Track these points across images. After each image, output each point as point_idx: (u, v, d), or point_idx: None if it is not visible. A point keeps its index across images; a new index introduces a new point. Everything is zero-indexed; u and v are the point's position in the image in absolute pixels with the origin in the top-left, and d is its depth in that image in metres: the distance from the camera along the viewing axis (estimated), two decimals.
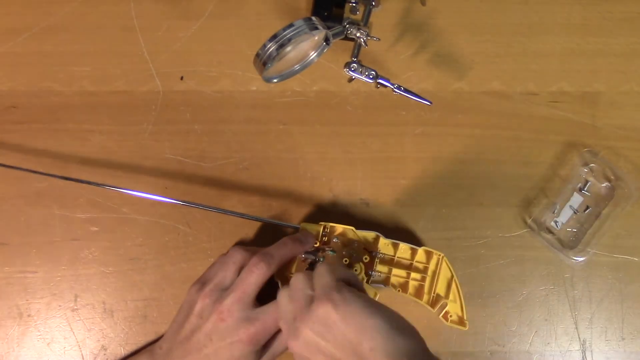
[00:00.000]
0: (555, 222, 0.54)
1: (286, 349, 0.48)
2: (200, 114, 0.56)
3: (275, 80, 0.49)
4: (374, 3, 0.53)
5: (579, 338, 0.53)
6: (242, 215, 0.52)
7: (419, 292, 0.51)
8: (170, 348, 0.48)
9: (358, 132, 0.55)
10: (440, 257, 0.51)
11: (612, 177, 0.54)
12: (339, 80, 0.56)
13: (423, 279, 0.51)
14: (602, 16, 0.56)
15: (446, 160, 0.55)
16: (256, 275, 0.47)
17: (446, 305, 0.50)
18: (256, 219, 0.53)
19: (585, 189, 0.54)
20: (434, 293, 0.51)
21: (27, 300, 0.54)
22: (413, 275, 0.51)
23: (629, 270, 0.54)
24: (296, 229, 0.52)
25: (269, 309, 0.47)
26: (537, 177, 0.55)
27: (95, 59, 0.56)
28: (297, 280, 0.45)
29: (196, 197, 0.55)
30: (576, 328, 0.54)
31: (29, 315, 0.54)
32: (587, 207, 0.54)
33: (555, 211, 0.54)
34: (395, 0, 0.56)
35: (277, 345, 0.48)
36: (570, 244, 0.54)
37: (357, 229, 0.51)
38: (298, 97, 0.56)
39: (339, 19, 0.54)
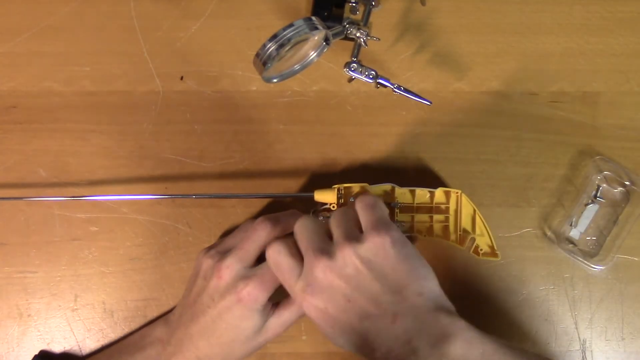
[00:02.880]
0: (575, 232, 0.54)
1: (301, 316, 0.48)
2: (200, 114, 0.56)
3: (275, 80, 0.49)
4: (374, 3, 0.53)
5: (579, 338, 0.53)
6: (249, 196, 0.53)
7: (445, 232, 0.52)
8: (181, 313, 0.48)
9: (358, 132, 0.55)
10: (459, 194, 0.51)
11: (627, 182, 0.54)
12: (339, 80, 0.56)
13: (446, 219, 0.51)
14: (602, 16, 0.56)
15: (446, 160, 0.55)
16: (258, 233, 0.47)
17: (474, 240, 0.51)
18: (265, 196, 0.54)
19: (600, 195, 0.54)
20: (460, 231, 0.51)
21: (27, 300, 0.54)
22: (436, 217, 0.51)
23: (629, 270, 0.54)
24: (311, 197, 0.51)
25: (266, 264, 0.46)
26: (537, 177, 0.55)
27: (95, 59, 0.56)
28: (343, 210, 0.45)
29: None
30: (576, 328, 0.54)
31: (29, 315, 0.54)
32: (604, 214, 0.54)
33: (573, 221, 0.54)
34: (395, 0, 0.56)
35: (289, 312, 0.47)
36: (591, 253, 0.54)
37: (370, 184, 0.51)
38: (298, 97, 0.56)
39: (339, 19, 0.54)
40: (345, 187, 0.51)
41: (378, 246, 0.41)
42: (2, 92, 0.56)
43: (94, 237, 0.54)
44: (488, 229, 0.51)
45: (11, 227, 0.55)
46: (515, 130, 0.55)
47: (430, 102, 0.50)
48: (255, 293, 0.45)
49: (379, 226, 0.42)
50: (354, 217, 0.45)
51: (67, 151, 0.55)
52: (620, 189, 0.54)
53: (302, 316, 0.48)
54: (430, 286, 0.42)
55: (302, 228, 0.45)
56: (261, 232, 0.47)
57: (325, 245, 0.43)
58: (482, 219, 0.51)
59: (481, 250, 0.51)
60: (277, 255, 0.44)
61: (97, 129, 0.55)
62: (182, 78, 0.56)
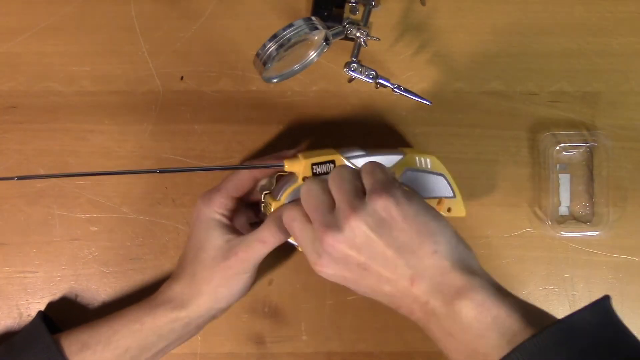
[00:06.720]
0: (563, 208, 0.54)
1: (264, 253, 0.46)
2: (200, 114, 0.56)
3: (275, 80, 0.49)
4: (373, 3, 0.53)
5: None
6: (216, 168, 0.55)
7: None
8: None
9: (358, 132, 0.55)
10: (431, 159, 0.50)
11: (583, 143, 0.54)
12: (339, 80, 0.56)
13: None
14: (602, 16, 0.56)
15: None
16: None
17: (444, 201, 0.50)
18: (234, 168, 0.52)
19: (564, 164, 0.55)
20: None
21: (27, 300, 0.54)
22: None
23: (629, 270, 0.54)
24: (281, 166, 0.48)
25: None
26: (537, 177, 0.55)
27: (95, 59, 0.56)
28: (342, 171, 0.42)
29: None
30: None
31: (28, 315, 0.54)
32: (578, 178, 0.55)
33: (557, 200, 0.54)
34: (395, 0, 0.56)
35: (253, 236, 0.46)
36: (586, 218, 0.54)
37: (337, 148, 0.49)
38: (298, 97, 0.56)
39: (339, 19, 0.54)
40: (313, 154, 0.48)
41: (382, 209, 0.39)
42: (2, 92, 0.56)
43: (94, 237, 0.54)
44: (458, 191, 0.50)
45: (11, 227, 0.55)
46: (515, 130, 0.55)
47: (431, 102, 0.50)
48: (211, 194, 0.48)
49: (379, 189, 0.40)
50: (352, 179, 0.42)
51: (67, 151, 0.55)
52: (578, 151, 0.55)
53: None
54: (444, 240, 0.40)
55: (307, 195, 0.43)
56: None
57: (331, 218, 0.41)
58: (451, 181, 0.50)
59: (449, 209, 0.50)
60: (291, 222, 0.43)
61: (97, 129, 0.55)
62: (182, 78, 0.56)
